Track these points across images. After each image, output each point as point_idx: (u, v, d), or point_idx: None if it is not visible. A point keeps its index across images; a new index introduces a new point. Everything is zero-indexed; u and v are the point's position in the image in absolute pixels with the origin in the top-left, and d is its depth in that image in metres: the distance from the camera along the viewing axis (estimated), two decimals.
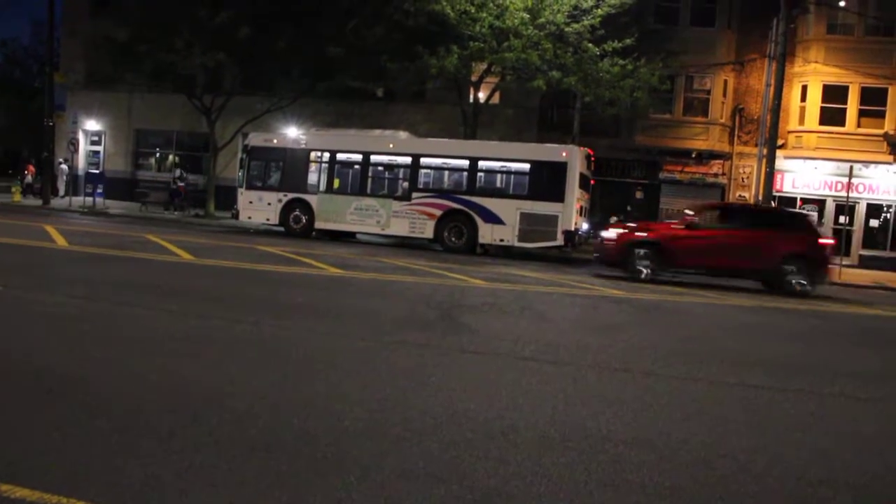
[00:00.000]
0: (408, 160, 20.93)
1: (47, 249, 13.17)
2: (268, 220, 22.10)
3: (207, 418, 4.39)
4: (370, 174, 21.47)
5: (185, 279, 10.89)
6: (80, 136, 33.46)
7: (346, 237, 22.22)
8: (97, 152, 34.55)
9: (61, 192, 31.15)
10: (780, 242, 15.75)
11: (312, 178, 21.88)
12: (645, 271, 15.80)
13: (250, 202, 22.19)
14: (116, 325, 7.10)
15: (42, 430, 4.01)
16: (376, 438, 4.26)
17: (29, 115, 41.08)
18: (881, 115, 25.52)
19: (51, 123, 28.97)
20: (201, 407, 4.63)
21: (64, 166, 31.68)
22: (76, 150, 31.24)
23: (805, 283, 15.49)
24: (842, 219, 25.22)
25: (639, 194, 29.08)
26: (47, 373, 5.15)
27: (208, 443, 3.99)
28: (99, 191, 28.48)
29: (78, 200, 28.51)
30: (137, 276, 10.58)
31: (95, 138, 34.58)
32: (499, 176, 20.70)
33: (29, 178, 33.78)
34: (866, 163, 25.76)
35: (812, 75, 25.98)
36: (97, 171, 30.03)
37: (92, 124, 33.72)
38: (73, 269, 10.79)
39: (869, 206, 27.14)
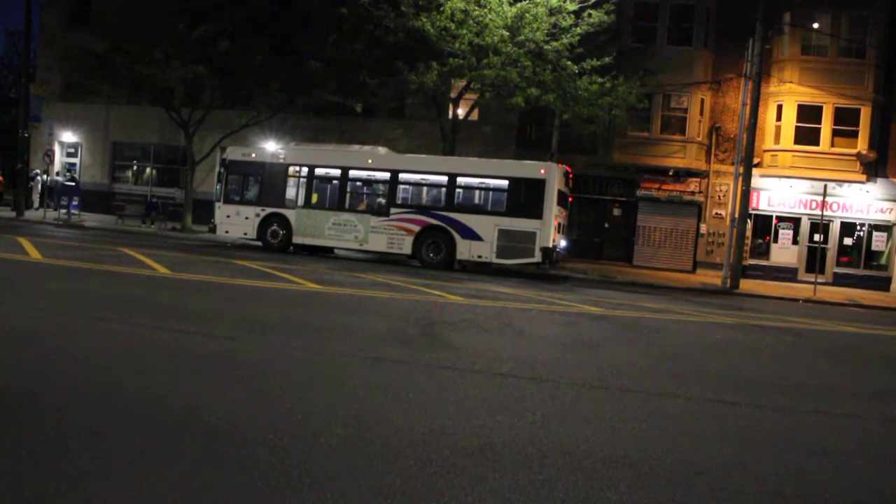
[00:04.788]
0: (386, 176, 20.90)
1: (20, 262, 12.98)
2: (245, 234, 21.96)
3: (180, 436, 4.32)
4: (348, 189, 21.42)
5: (161, 293, 10.77)
6: (56, 148, 33.18)
7: (323, 252, 22.12)
8: (73, 164, 34.22)
9: (36, 203, 30.81)
10: None
11: (290, 192, 21.79)
12: None
13: (228, 216, 22.05)
14: (89, 340, 6.99)
15: (7, 449, 3.92)
16: (353, 455, 4.21)
17: (2, 125, 40.62)
18: (854, 135, 25.90)
19: (26, 134, 28.67)
20: (174, 424, 4.56)
21: (39, 178, 31.34)
22: (52, 162, 30.95)
23: None
24: (816, 237, 25.52)
25: (616, 211, 29.25)
26: (14, 390, 5.05)
27: (181, 461, 3.92)
28: (74, 203, 28.19)
29: (53, 213, 28.19)
30: (113, 290, 10.45)
31: (72, 150, 34.26)
32: (477, 192, 20.72)
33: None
34: (840, 182, 26.13)
35: (787, 95, 26.34)
36: (73, 183, 29.73)
37: (68, 136, 33.42)
38: (47, 283, 10.63)
39: (843, 224, 27.50)
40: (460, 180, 20.40)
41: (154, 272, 13.01)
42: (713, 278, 24.75)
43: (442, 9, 22.12)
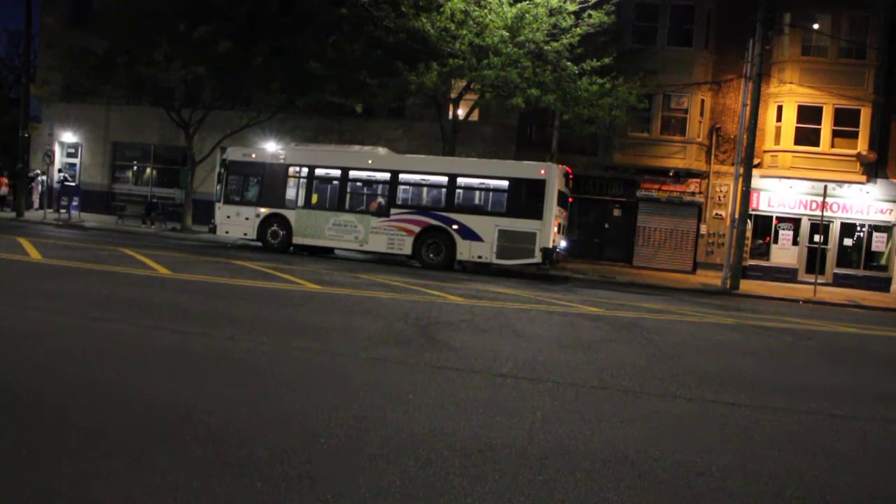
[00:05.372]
0: (386, 176, 20.90)
1: (21, 262, 12.98)
2: (245, 234, 21.96)
3: (180, 436, 4.32)
4: (349, 190, 21.42)
5: (161, 294, 10.77)
6: (56, 148, 33.18)
7: (324, 253, 22.12)
8: (73, 164, 34.23)
9: (36, 204, 30.82)
10: None
11: (290, 193, 21.79)
12: None
13: (228, 217, 22.05)
14: (88, 340, 6.99)
15: (7, 449, 3.92)
16: (352, 456, 4.21)
17: (2, 125, 40.62)
18: (854, 135, 25.90)
19: (26, 135, 28.67)
20: (174, 424, 4.56)
21: (40, 178, 31.36)
22: (52, 162, 30.95)
23: None
24: (816, 237, 25.52)
25: (616, 212, 29.25)
26: (14, 390, 5.05)
27: (181, 461, 3.92)
28: (74, 203, 28.21)
29: (53, 213, 28.20)
30: (113, 291, 10.44)
31: (72, 150, 34.27)
32: (477, 193, 20.72)
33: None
34: (840, 182, 26.13)
35: (787, 96, 26.34)
36: (73, 184, 29.73)
37: (68, 136, 33.44)
38: (47, 283, 10.62)
39: (843, 225, 27.49)
40: (460, 181, 20.40)
41: (154, 272, 13.01)
42: (713, 279, 24.75)
43: (442, 9, 22.11)
